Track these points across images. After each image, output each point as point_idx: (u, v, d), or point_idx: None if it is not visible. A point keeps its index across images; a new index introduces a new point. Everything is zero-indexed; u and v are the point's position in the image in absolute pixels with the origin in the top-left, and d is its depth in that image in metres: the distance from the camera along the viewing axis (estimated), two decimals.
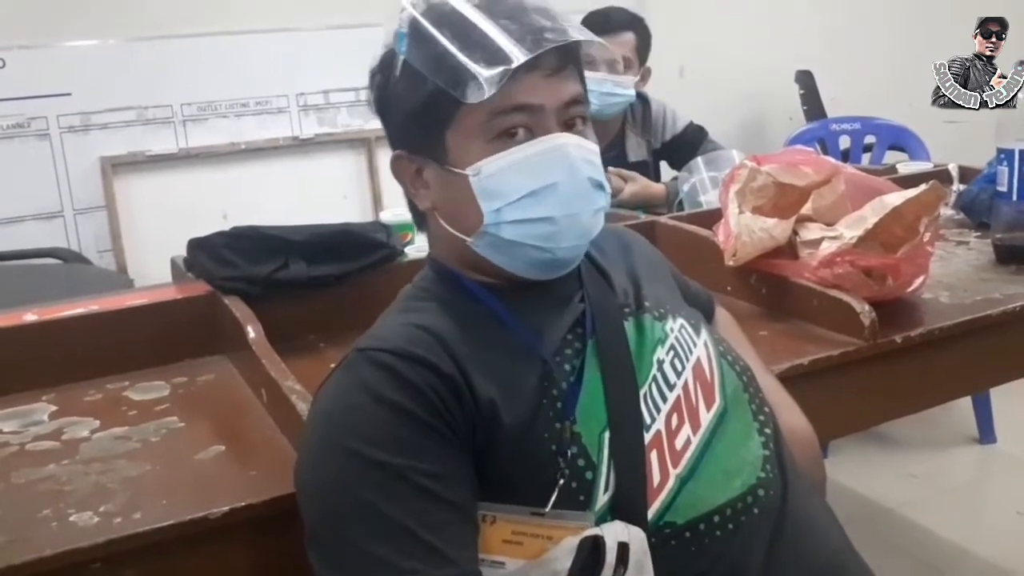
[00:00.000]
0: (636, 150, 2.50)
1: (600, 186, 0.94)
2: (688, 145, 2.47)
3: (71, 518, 0.93)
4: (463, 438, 0.84)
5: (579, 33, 0.91)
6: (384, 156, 3.15)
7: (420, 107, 0.92)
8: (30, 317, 1.34)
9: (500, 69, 0.86)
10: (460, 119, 0.91)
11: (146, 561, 0.92)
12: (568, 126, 0.93)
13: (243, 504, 0.94)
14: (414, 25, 0.91)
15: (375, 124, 1.01)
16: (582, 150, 0.93)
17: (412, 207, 1.02)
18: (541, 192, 0.90)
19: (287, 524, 0.92)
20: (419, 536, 0.79)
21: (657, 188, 2.30)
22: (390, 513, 0.79)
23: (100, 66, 2.84)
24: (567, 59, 0.93)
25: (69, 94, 2.80)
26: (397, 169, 0.99)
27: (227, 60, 2.97)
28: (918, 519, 2.35)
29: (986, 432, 2.71)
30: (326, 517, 0.82)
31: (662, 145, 2.51)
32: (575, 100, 0.94)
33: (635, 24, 2.39)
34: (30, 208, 2.79)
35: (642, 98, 2.46)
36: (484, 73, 0.86)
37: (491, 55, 0.87)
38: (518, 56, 0.86)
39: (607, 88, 2.29)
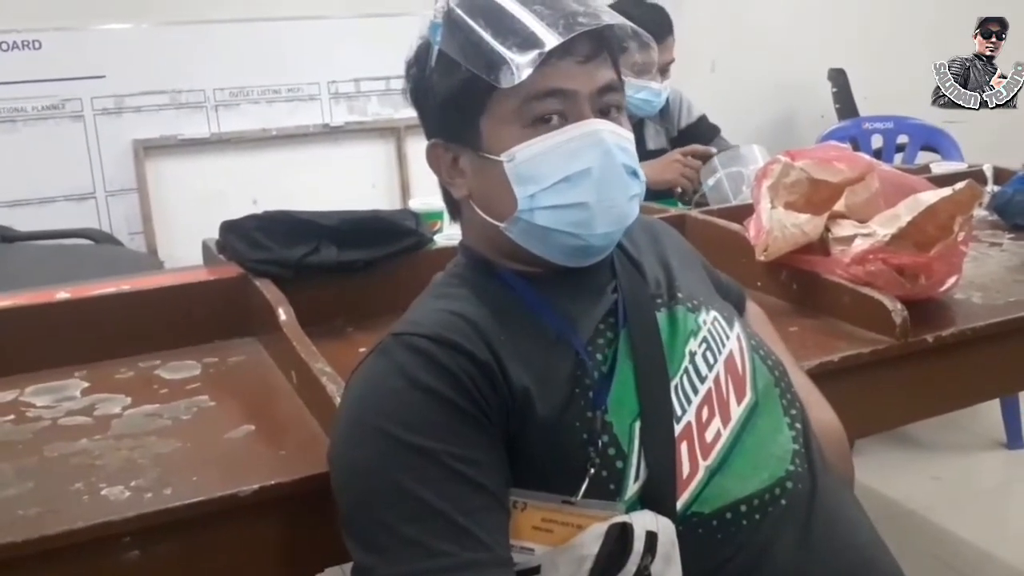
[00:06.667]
0: (655, 138, 2.49)
1: (635, 173, 0.94)
2: (702, 136, 2.45)
3: (103, 492, 0.94)
4: (497, 425, 0.84)
5: (612, 18, 0.91)
6: (413, 145, 3.17)
7: (455, 94, 0.92)
8: (63, 295, 1.35)
9: (533, 53, 0.85)
10: (494, 105, 0.90)
11: (176, 536, 0.93)
12: (603, 113, 0.93)
13: (273, 483, 0.95)
14: (449, 15, 0.91)
15: (405, 113, 1.02)
16: (617, 136, 0.92)
17: (446, 196, 1.01)
18: (575, 177, 0.90)
19: (316, 503, 0.93)
20: (453, 520, 0.79)
21: None
22: (425, 496, 0.79)
23: (134, 50, 2.87)
24: (601, 45, 0.92)
25: (103, 77, 2.83)
26: (432, 158, 0.99)
27: (260, 46, 2.99)
28: (942, 522, 2.33)
29: (1014, 437, 2.68)
30: (361, 500, 0.82)
31: (679, 133, 2.50)
32: (609, 87, 0.93)
33: (670, 22, 2.37)
34: (63, 189, 2.83)
35: None
36: (517, 57, 0.85)
37: (524, 40, 0.86)
38: (551, 40, 0.86)
39: (644, 95, 2.27)
